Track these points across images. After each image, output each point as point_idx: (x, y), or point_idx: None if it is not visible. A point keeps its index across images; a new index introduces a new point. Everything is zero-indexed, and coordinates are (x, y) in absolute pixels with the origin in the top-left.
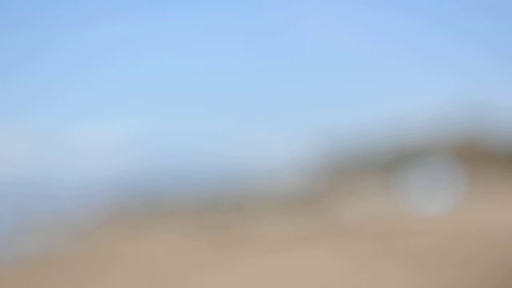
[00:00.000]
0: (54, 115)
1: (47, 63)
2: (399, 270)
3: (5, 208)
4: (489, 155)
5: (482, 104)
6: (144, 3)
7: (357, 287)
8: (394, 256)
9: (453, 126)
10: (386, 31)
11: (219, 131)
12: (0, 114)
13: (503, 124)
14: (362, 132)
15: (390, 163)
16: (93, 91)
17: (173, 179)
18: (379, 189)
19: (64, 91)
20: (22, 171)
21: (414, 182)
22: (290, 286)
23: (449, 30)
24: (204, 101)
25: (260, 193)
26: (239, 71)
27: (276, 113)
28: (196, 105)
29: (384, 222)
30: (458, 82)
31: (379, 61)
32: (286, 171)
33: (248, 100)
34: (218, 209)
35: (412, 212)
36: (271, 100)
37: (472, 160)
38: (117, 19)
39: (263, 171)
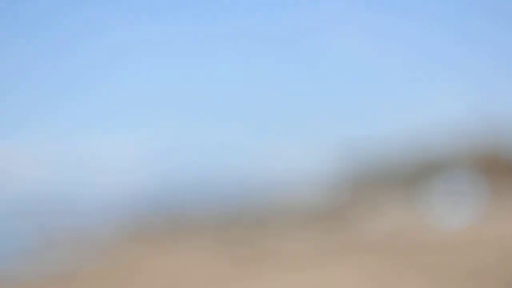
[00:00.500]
0: (75, 130)
1: (65, 76)
2: (421, 285)
3: (27, 224)
4: (509, 167)
5: (502, 115)
6: (161, 10)
7: None
8: (416, 271)
9: (474, 138)
10: (409, 42)
11: (239, 143)
12: (18, 131)
13: None
14: (383, 144)
15: (411, 176)
16: (113, 104)
17: (193, 194)
18: (401, 202)
19: (84, 105)
20: (43, 188)
21: (436, 195)
22: None
23: (471, 42)
24: (224, 112)
25: (281, 207)
26: (260, 81)
27: (297, 125)
28: (216, 117)
29: (406, 237)
30: (479, 93)
31: (401, 71)
32: (307, 184)
33: (269, 111)
34: (239, 224)
35: (435, 226)
36: (292, 111)
37: (494, 172)
38: (133, 25)
39: (284, 184)
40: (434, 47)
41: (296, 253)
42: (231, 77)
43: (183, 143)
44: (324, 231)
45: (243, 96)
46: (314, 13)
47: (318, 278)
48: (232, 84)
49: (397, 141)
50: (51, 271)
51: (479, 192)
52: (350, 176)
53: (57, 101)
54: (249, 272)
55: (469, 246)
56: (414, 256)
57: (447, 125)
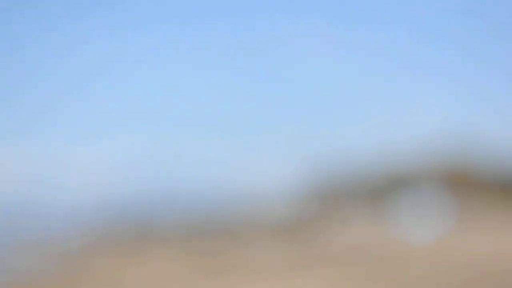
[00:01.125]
0: (48, 136)
1: (43, 84)
2: None
3: None
4: (478, 183)
5: (471, 131)
6: (138, 23)
7: None
8: (381, 284)
9: (442, 153)
10: (379, 56)
11: (209, 154)
12: None
13: (492, 152)
14: (351, 158)
15: (379, 189)
16: (88, 112)
17: (163, 203)
18: (368, 215)
19: (60, 112)
20: (12, 193)
21: (403, 209)
22: None
23: (442, 54)
24: (195, 124)
25: (250, 218)
26: (230, 94)
27: (267, 137)
28: (187, 127)
29: (373, 249)
30: (448, 109)
31: (370, 86)
32: (276, 196)
33: (239, 124)
34: (209, 235)
35: (401, 239)
36: (263, 123)
37: (461, 188)
38: (110, 38)
39: (253, 196)
40: (404, 61)
41: (263, 264)
42: (203, 89)
43: (155, 153)
44: (292, 243)
45: (215, 108)
46: (284, 27)
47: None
48: (204, 96)
49: (365, 155)
50: (17, 278)
51: (446, 207)
52: (318, 189)
53: (35, 110)
54: (218, 283)
55: (434, 260)
56: (380, 269)
57: (415, 141)
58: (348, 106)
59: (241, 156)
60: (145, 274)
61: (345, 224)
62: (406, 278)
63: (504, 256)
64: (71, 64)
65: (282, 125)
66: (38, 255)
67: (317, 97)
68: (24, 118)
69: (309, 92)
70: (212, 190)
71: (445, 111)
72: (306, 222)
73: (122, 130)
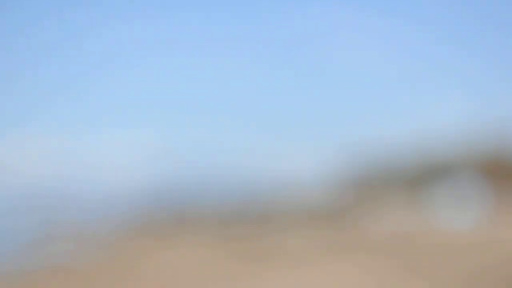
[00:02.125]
0: (79, 126)
1: (71, 71)
2: (422, 286)
3: (30, 219)
4: None
5: (505, 119)
6: (163, 8)
7: None
8: (418, 272)
9: (478, 142)
10: (413, 47)
11: (244, 143)
12: (21, 126)
13: None
14: (388, 146)
15: (416, 177)
16: (120, 100)
17: (198, 190)
18: (405, 204)
19: (90, 102)
20: (47, 182)
21: (440, 197)
22: None
23: (475, 48)
24: (230, 113)
25: (285, 206)
26: (265, 83)
27: (303, 126)
28: (223, 117)
29: (410, 237)
30: (483, 97)
31: (406, 75)
32: (312, 184)
33: (275, 113)
34: (243, 221)
35: (438, 228)
36: (298, 113)
37: (497, 175)
38: (142, 23)
39: (288, 184)
40: (438, 51)
41: (298, 251)
42: (238, 79)
43: (190, 141)
44: (328, 230)
45: (248, 97)
46: (319, 18)
47: (320, 277)
48: (239, 86)
49: (402, 144)
50: (53, 266)
51: (483, 195)
52: (355, 177)
53: (62, 97)
54: (252, 269)
55: (472, 248)
56: (417, 257)
57: (451, 129)
58: (385, 96)
59: (278, 145)
60: (180, 259)
61: (381, 212)
62: (441, 266)
63: None
64: (97, 47)
65: (319, 114)
66: (73, 241)
67: (354, 87)
68: (56, 105)
69: (346, 81)
70: (247, 177)
71: (479, 100)
72: (342, 210)
73: (158, 116)
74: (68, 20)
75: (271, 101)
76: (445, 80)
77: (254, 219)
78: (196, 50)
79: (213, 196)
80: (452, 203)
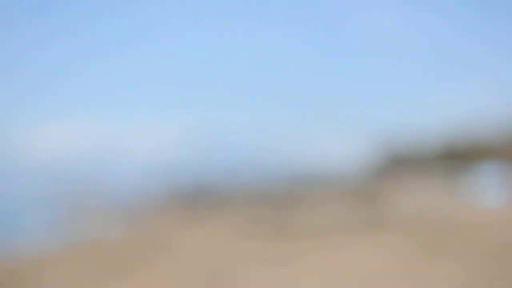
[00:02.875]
0: (114, 109)
1: (103, 51)
2: (450, 262)
3: (63, 196)
4: None
5: None
6: None
7: (408, 280)
8: (444, 250)
9: (505, 126)
10: (447, 31)
11: (277, 126)
12: (64, 109)
13: None
14: (417, 129)
15: (446, 160)
16: (153, 86)
17: (229, 172)
18: (432, 185)
19: (124, 87)
20: (81, 161)
21: (467, 178)
22: (342, 281)
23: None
24: (261, 96)
25: (315, 187)
26: (298, 67)
27: (335, 111)
28: (255, 101)
29: (436, 217)
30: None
31: (441, 62)
32: (343, 167)
33: (305, 96)
34: (272, 203)
35: (464, 207)
36: (328, 97)
37: None
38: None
39: (319, 166)
40: (471, 34)
41: (327, 232)
42: (271, 63)
43: (222, 124)
44: (359, 209)
45: (281, 80)
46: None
47: (349, 255)
48: (271, 70)
49: (433, 128)
50: (83, 241)
51: (506, 177)
52: (385, 160)
53: (93, 81)
54: (280, 250)
55: (496, 226)
56: (443, 235)
57: (482, 115)
58: (418, 80)
59: (309, 129)
60: (207, 238)
61: (409, 193)
62: (467, 244)
63: None
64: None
65: (350, 99)
66: (104, 219)
67: (387, 71)
68: (90, 90)
69: (379, 65)
70: (279, 161)
71: (507, 86)
72: (372, 191)
73: (191, 99)
74: None
75: (303, 84)
76: (483, 67)
77: (283, 200)
78: (232, 32)
79: (245, 178)
80: (478, 184)
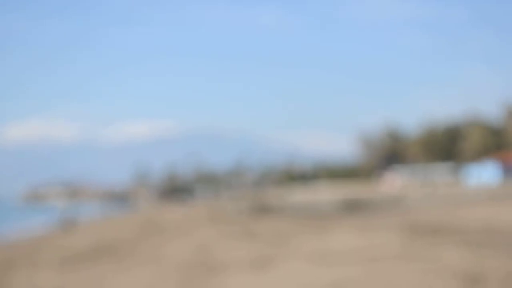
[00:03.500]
0: (103, 99)
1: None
2: (442, 245)
3: (52, 184)
4: None
5: None
6: None
7: (402, 260)
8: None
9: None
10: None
11: (266, 121)
12: (61, 98)
13: None
14: (407, 124)
15: (430, 154)
16: (146, 77)
17: (221, 163)
18: (439, 176)
19: (117, 75)
20: (68, 150)
21: (461, 173)
22: (329, 257)
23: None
24: (249, 92)
25: (307, 179)
26: (292, 59)
27: (324, 111)
28: (248, 93)
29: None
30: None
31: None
32: (342, 160)
33: (298, 93)
34: (269, 191)
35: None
36: (321, 98)
37: None
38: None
39: (320, 160)
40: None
41: (315, 218)
42: (267, 57)
43: (225, 116)
44: (347, 199)
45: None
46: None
47: (336, 236)
48: (266, 63)
49: (421, 124)
50: (87, 223)
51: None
52: (373, 154)
53: (90, 71)
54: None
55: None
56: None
57: (473, 110)
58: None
59: (298, 126)
60: (188, 219)
61: (397, 185)
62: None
63: None
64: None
65: (337, 96)
66: (94, 206)
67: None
68: (78, 80)
69: (375, 63)
70: (279, 151)
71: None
72: (358, 183)
73: (181, 92)
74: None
75: (295, 80)
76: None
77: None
78: (224, 19)
79: (238, 168)
80: (467, 178)
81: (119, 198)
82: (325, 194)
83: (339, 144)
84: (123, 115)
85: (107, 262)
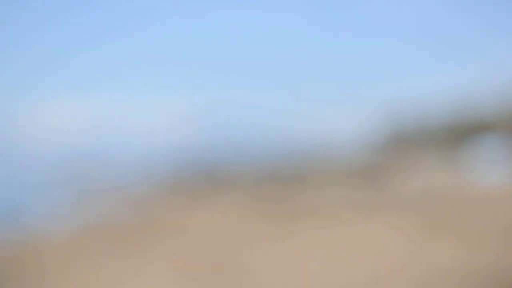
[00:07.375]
0: (116, 87)
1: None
2: (453, 242)
3: (66, 178)
4: None
5: None
6: None
7: (411, 259)
8: (449, 228)
9: (506, 101)
10: (454, 9)
11: (280, 104)
12: (69, 88)
13: None
14: (420, 106)
15: (449, 136)
16: (156, 64)
17: (233, 151)
18: (436, 162)
19: (126, 65)
20: (84, 142)
21: (470, 155)
22: (345, 259)
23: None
24: (266, 75)
25: (320, 165)
26: (301, 44)
27: (338, 87)
28: (259, 79)
29: (441, 194)
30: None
31: (440, 33)
32: (346, 144)
33: (310, 74)
34: (276, 182)
35: (468, 184)
36: (333, 74)
37: None
38: None
39: (323, 144)
40: (475, 9)
41: (332, 210)
42: (275, 41)
43: (226, 103)
44: (362, 189)
45: (286, 59)
46: None
47: (353, 234)
48: (275, 48)
49: (435, 104)
50: (88, 225)
51: (510, 152)
52: (390, 136)
53: (93, 60)
54: (284, 228)
55: (500, 203)
56: (447, 213)
57: (484, 89)
58: (419, 55)
59: (314, 105)
60: (212, 218)
61: (415, 171)
62: (472, 221)
63: None
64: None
65: (354, 74)
66: (109, 203)
67: (388, 46)
68: (94, 70)
69: (380, 42)
70: (282, 138)
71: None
72: (376, 169)
73: (192, 78)
74: None
75: (309, 62)
76: (481, 40)
77: (288, 179)
78: (236, 10)
79: (249, 157)
80: (481, 160)
81: None
82: None
83: None
84: None
85: None
